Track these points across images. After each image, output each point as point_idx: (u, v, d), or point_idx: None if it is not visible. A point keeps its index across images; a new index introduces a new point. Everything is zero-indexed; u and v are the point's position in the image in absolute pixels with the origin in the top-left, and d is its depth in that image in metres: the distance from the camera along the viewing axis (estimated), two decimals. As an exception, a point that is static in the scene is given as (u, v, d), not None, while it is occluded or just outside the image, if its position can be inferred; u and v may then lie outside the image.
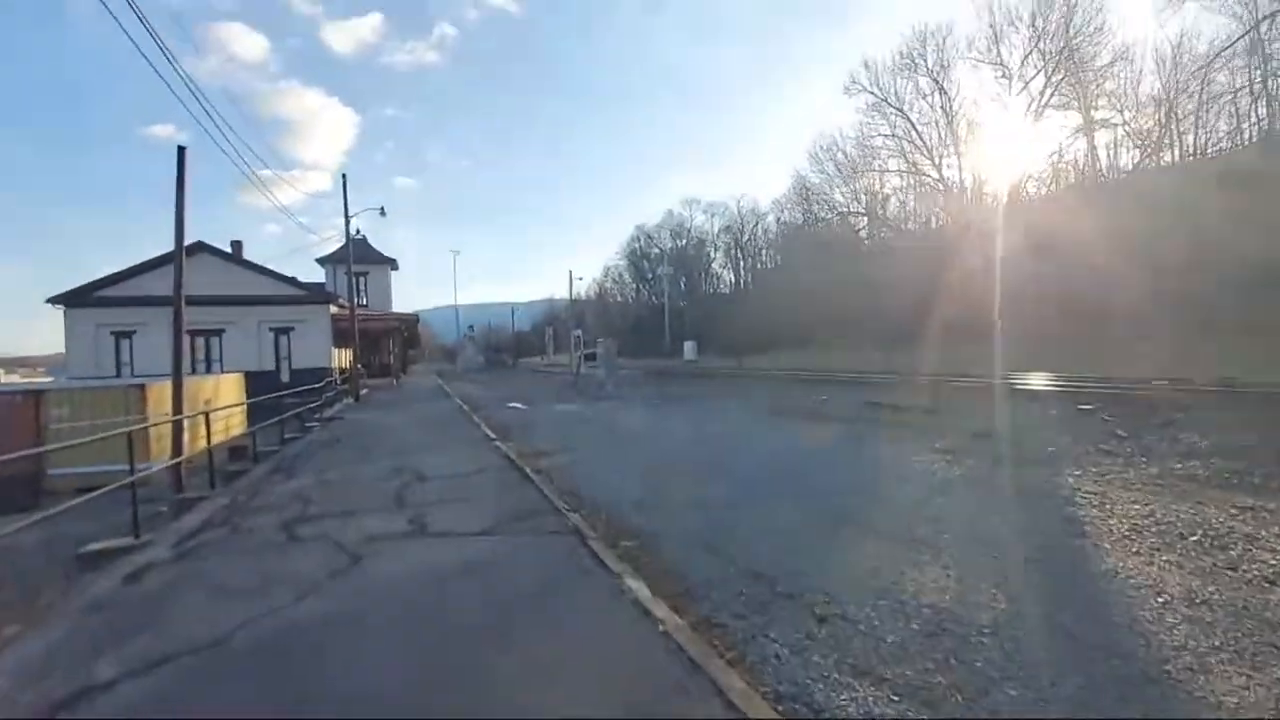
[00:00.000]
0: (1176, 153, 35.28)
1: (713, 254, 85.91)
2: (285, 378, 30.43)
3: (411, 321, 41.29)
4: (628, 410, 17.49)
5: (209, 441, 9.86)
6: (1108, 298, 28.01)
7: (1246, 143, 31.84)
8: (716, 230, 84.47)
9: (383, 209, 24.24)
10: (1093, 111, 36.28)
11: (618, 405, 19.12)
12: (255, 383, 24.71)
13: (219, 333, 30.74)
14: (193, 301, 29.25)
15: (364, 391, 29.97)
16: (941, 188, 42.90)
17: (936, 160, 41.66)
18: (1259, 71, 31.06)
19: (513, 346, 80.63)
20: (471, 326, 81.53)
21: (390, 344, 43.71)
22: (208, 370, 30.12)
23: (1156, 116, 34.44)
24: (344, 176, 21.94)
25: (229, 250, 32.85)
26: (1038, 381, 16.06)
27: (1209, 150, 33.11)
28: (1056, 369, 19.37)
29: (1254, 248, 21.96)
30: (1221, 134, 33.08)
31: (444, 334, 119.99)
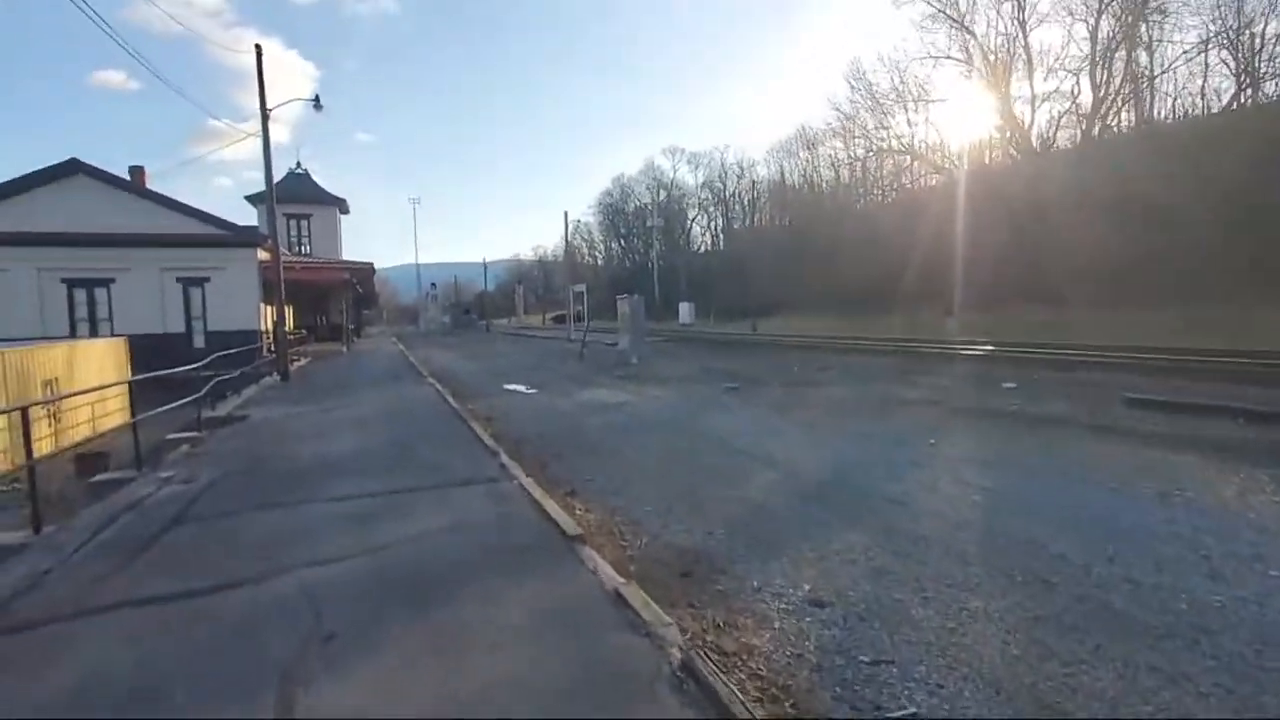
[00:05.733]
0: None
1: (692, 211, 79.35)
2: (199, 343, 23.24)
3: (366, 272, 33.96)
4: (711, 406, 11.10)
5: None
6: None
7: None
8: (699, 183, 77.82)
9: (317, 99, 16.90)
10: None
11: (676, 392, 12.83)
12: (157, 351, 18.05)
13: (106, 283, 23.17)
14: (69, 240, 22.13)
15: (301, 362, 23.02)
16: (1005, 124, 36.41)
17: (1004, 88, 35.00)
18: None
19: (480, 306, 72.87)
20: (434, 284, 73.35)
21: (340, 301, 36.26)
22: (92, 332, 22.67)
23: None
24: (258, 47, 14.68)
25: (124, 177, 25.23)
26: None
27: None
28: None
29: None
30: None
31: (403, 293, 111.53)
